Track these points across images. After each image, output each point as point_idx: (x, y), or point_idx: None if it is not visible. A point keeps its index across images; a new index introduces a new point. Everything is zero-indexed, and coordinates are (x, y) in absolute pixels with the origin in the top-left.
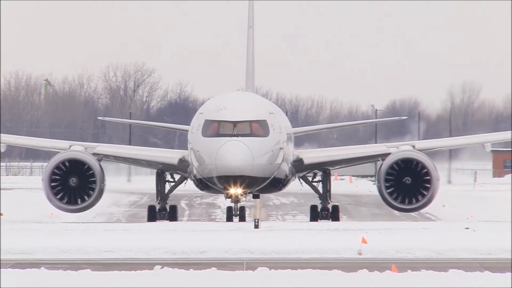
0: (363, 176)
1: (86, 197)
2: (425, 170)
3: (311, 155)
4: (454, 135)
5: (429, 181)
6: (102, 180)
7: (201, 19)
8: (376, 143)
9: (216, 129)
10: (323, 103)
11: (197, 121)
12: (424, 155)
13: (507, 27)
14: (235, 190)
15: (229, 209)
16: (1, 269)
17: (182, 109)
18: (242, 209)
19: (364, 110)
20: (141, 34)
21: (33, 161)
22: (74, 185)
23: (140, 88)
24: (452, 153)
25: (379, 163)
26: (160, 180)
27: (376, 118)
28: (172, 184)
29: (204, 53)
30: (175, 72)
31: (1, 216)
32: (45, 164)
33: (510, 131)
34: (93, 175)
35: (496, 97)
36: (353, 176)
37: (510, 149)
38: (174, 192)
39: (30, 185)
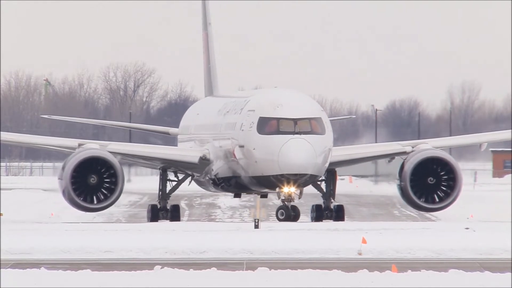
0: (363, 176)
1: (108, 195)
2: (451, 169)
3: (333, 153)
4: (454, 135)
5: (453, 180)
6: (123, 179)
7: (200, 19)
8: (376, 142)
9: (275, 126)
10: (323, 103)
11: (248, 118)
12: (449, 154)
13: (507, 27)
14: (289, 189)
15: (286, 208)
16: (1, 269)
17: (182, 109)
18: (295, 208)
19: (364, 110)
20: (141, 34)
21: (33, 161)
22: (93, 184)
23: (140, 88)
24: (452, 153)
25: (381, 161)
26: (163, 179)
27: (375, 119)
28: (174, 183)
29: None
30: (175, 72)
31: (1, 216)
32: (45, 164)
33: (510, 131)
34: (112, 173)
35: (496, 97)
36: (353, 176)
37: (510, 149)
38: (175, 192)
39: (30, 185)
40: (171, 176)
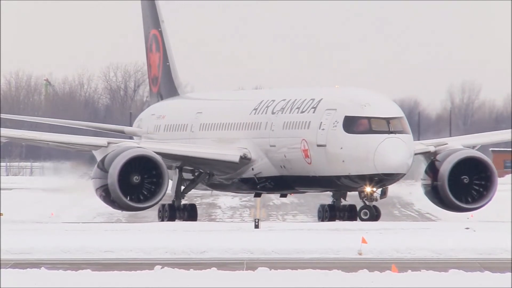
0: None
1: (153, 191)
2: (487, 169)
3: None
4: (454, 135)
5: (489, 181)
6: (168, 178)
7: (199, 18)
8: None
9: (366, 125)
10: None
11: (329, 117)
12: (483, 154)
13: (507, 27)
14: (371, 189)
15: (369, 208)
16: (1, 269)
17: None
18: (377, 207)
19: None
20: (141, 34)
21: (33, 161)
22: (136, 183)
23: (140, 88)
24: None
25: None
26: (179, 178)
27: None
28: (188, 182)
29: (203, 53)
30: None
31: (1, 216)
32: (45, 164)
33: (510, 130)
34: (155, 173)
35: (496, 97)
36: None
37: (510, 149)
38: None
39: (30, 185)
40: (187, 175)
